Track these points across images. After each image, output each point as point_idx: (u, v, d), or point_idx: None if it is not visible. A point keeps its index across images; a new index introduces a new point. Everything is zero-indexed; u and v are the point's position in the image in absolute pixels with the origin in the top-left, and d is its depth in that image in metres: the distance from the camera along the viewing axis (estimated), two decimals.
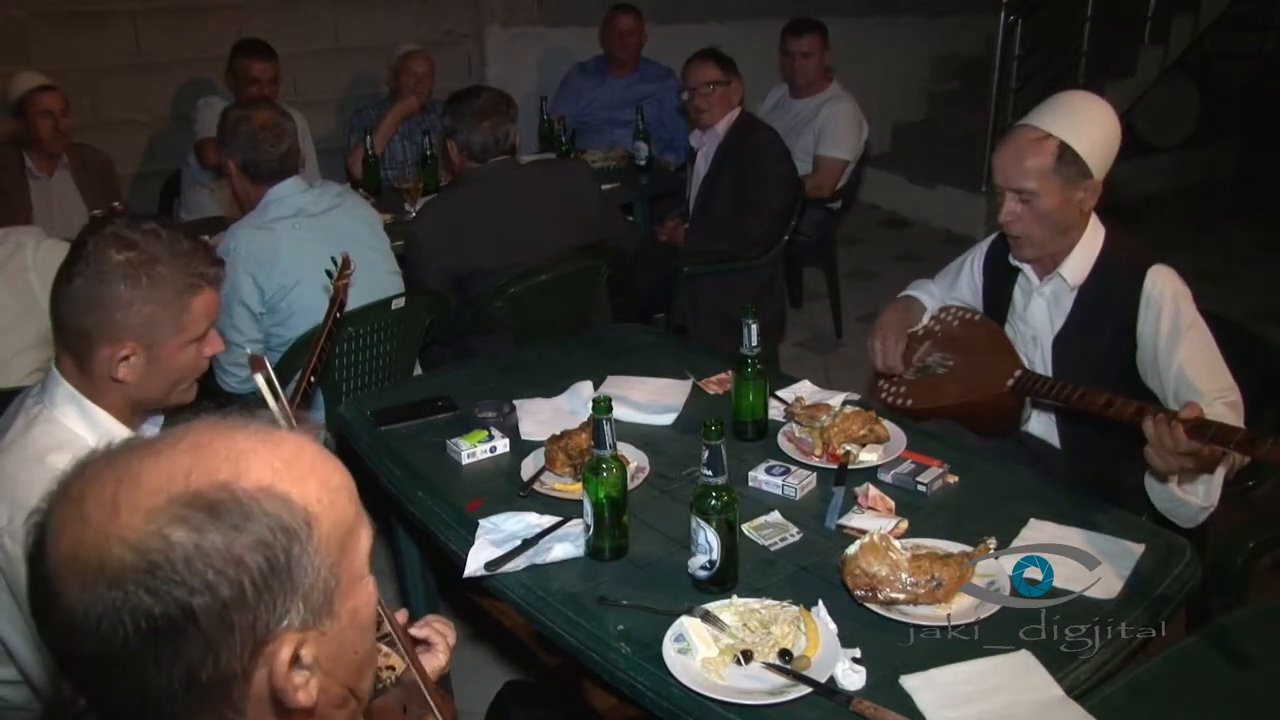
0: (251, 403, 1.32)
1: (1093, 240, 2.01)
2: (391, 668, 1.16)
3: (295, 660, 0.76)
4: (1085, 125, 1.95)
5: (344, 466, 0.84)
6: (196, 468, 0.74)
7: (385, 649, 1.15)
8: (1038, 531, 1.64)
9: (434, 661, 1.24)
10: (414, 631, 1.24)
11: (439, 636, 1.26)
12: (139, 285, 1.45)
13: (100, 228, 1.49)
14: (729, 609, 1.45)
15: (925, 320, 2.31)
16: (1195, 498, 1.70)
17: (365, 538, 0.83)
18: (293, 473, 0.77)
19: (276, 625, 0.74)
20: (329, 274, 2.16)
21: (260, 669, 0.75)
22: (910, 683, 1.33)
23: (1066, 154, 1.92)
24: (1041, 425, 2.19)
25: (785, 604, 1.45)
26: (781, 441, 1.95)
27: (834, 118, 4.10)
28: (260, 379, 1.11)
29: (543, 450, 1.88)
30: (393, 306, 2.61)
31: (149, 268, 1.46)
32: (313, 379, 1.88)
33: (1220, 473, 1.69)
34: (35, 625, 0.75)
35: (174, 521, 0.71)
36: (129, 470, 0.74)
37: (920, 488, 1.77)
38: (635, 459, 1.87)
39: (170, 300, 1.48)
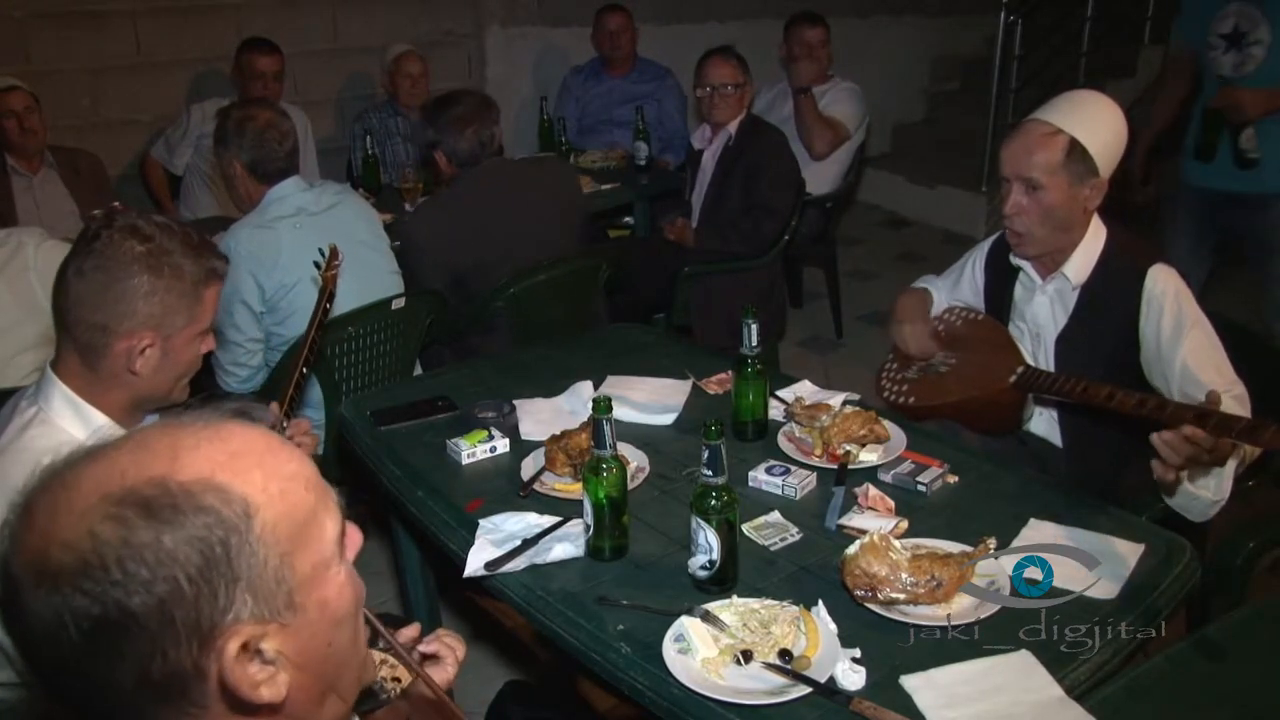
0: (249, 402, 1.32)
1: (1095, 240, 2.01)
2: (397, 679, 1.15)
3: (256, 653, 0.75)
4: (1096, 124, 1.95)
5: (304, 455, 0.81)
6: (133, 466, 0.74)
7: (392, 660, 1.14)
8: (1038, 531, 1.64)
9: (442, 675, 1.23)
10: (423, 647, 1.23)
11: (448, 650, 1.25)
12: (161, 275, 1.47)
13: (108, 223, 1.49)
14: (729, 609, 1.44)
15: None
16: (1207, 492, 1.70)
17: (330, 526, 0.81)
18: (235, 464, 0.76)
19: (222, 619, 0.73)
20: (317, 265, 2.16)
21: (214, 664, 0.73)
22: (910, 683, 1.33)
23: (1076, 150, 1.92)
24: (1043, 425, 2.18)
25: (785, 604, 1.44)
26: (781, 441, 1.94)
27: (836, 93, 4.16)
28: None
29: (543, 450, 1.88)
30: (393, 306, 2.61)
31: (168, 258, 1.48)
32: (305, 370, 1.87)
33: (1231, 466, 1.69)
34: (7, 633, 0.75)
35: (104, 520, 0.71)
36: (74, 475, 0.74)
37: (920, 488, 1.76)
38: (635, 459, 1.87)
39: (188, 290, 1.50)
